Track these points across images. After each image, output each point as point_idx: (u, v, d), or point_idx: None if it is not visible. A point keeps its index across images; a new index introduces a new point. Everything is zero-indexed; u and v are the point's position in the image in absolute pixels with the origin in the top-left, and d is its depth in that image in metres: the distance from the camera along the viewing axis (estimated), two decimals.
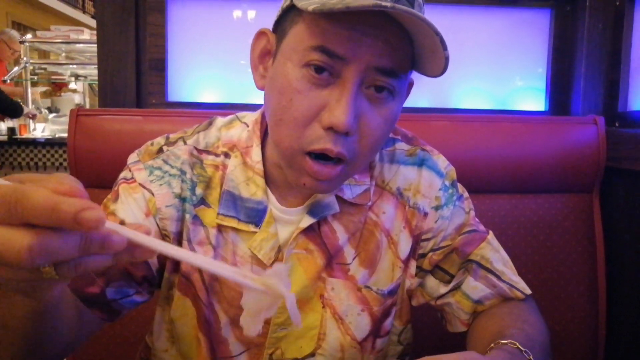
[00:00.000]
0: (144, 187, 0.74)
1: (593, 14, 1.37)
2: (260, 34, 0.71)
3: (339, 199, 0.75)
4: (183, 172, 0.75)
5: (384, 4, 0.55)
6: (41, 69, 4.80)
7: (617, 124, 1.35)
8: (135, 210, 0.72)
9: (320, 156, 0.64)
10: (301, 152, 0.64)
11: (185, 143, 0.77)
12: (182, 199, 0.74)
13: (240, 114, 0.82)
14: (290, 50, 0.63)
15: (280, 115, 0.64)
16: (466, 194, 0.84)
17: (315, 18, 0.61)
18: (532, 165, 1.23)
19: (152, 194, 0.73)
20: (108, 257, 0.39)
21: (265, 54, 0.71)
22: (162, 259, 0.75)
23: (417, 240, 0.79)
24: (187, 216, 0.74)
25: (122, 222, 0.69)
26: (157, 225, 0.73)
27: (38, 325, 0.53)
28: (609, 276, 1.26)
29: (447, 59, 0.60)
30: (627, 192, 1.25)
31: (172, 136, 0.79)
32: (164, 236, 0.74)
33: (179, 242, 0.75)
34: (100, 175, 1.12)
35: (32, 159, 3.72)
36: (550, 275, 1.24)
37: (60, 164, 3.75)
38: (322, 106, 0.62)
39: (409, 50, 0.63)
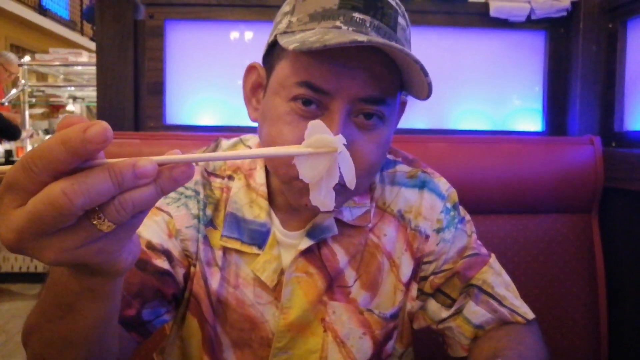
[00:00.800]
0: (161, 210, 0.74)
1: (586, 36, 1.39)
2: (251, 68, 0.73)
3: (339, 222, 0.75)
4: (197, 193, 0.76)
5: (359, 39, 0.56)
6: (39, 91, 4.82)
7: (613, 144, 1.36)
8: (158, 232, 0.72)
9: None
10: (297, 177, 0.64)
11: (196, 164, 0.78)
12: (198, 219, 0.75)
13: (245, 136, 0.83)
14: (278, 85, 0.65)
15: (270, 146, 0.65)
16: (468, 217, 0.83)
17: (299, 54, 0.62)
18: (530, 185, 1.24)
19: (171, 216, 0.74)
20: (151, 189, 0.37)
21: (256, 87, 0.72)
22: (186, 277, 0.75)
23: (418, 263, 0.79)
24: (200, 236, 0.75)
25: (149, 243, 0.70)
26: (180, 246, 0.74)
27: (100, 337, 0.52)
28: (610, 296, 1.25)
29: (429, 85, 0.61)
30: (626, 212, 1.26)
31: None
32: (186, 257, 0.75)
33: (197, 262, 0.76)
34: None
35: None
36: (551, 295, 1.23)
37: None
38: None
39: (395, 75, 0.64)
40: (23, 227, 0.35)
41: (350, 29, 0.61)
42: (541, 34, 1.48)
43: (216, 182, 0.78)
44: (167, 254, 0.72)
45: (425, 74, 0.59)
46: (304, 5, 0.64)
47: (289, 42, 0.60)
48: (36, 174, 0.35)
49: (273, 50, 0.68)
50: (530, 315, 0.78)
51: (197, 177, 0.77)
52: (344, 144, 0.49)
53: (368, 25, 0.61)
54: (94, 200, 0.35)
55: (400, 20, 0.66)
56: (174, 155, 0.38)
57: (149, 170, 0.36)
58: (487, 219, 1.23)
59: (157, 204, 0.74)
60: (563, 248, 1.25)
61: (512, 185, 1.23)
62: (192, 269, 0.75)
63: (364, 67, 0.61)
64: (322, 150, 0.41)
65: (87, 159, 0.36)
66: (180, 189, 0.76)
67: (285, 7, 0.68)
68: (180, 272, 0.73)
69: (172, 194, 0.75)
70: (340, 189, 0.66)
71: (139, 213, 0.39)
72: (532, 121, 1.51)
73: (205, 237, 0.75)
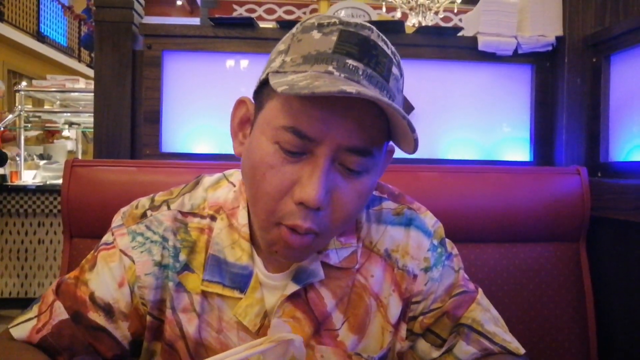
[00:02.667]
0: (124, 253, 0.73)
1: (571, 69, 1.44)
2: (240, 102, 0.71)
3: (325, 265, 0.74)
4: (165, 239, 0.74)
5: (348, 89, 0.54)
6: (35, 116, 4.85)
7: (599, 174, 1.39)
8: (108, 281, 0.72)
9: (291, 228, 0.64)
10: (276, 224, 0.64)
11: (169, 207, 0.76)
12: (163, 267, 0.74)
13: (228, 172, 0.81)
14: (265, 124, 0.64)
15: (255, 190, 0.64)
16: (455, 251, 0.82)
17: (289, 97, 0.61)
18: (519, 214, 1.26)
19: (133, 262, 0.73)
20: None
21: (244, 121, 0.71)
22: (138, 327, 0.74)
23: (407, 303, 0.78)
24: (170, 284, 0.73)
25: (92, 295, 0.71)
26: (132, 293, 0.72)
27: None
28: (599, 324, 1.26)
29: (416, 141, 0.60)
30: (613, 241, 1.28)
31: (157, 198, 0.78)
32: (141, 304, 0.73)
33: (159, 310, 0.74)
34: (94, 225, 1.13)
35: (22, 206, 3.70)
36: (540, 324, 1.24)
37: (50, 210, 3.72)
38: (294, 181, 0.62)
39: (382, 125, 0.63)
40: None
41: (342, 75, 0.60)
42: (528, 67, 1.53)
43: (194, 222, 0.76)
44: (106, 309, 0.71)
45: (412, 130, 0.59)
46: (299, 46, 0.63)
47: (279, 84, 0.58)
48: None
49: (264, 88, 0.66)
50: (522, 350, 0.77)
51: (167, 222, 0.75)
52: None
53: (361, 73, 0.60)
54: None
55: (395, 70, 0.64)
56: None
57: None
58: (476, 248, 1.25)
59: (123, 247, 0.73)
60: (552, 276, 1.26)
61: (501, 215, 1.25)
62: (148, 317, 0.74)
63: (352, 115, 0.60)
64: (283, 341, 0.50)
65: None
66: (148, 234, 0.74)
67: (281, 46, 0.67)
68: (123, 326, 0.72)
69: (139, 238, 0.74)
70: (313, 239, 0.64)
71: None
72: (520, 151, 1.54)
73: (179, 284, 0.73)
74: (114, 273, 0.72)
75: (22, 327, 0.72)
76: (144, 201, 0.78)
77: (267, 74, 0.64)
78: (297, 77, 0.59)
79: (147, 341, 0.75)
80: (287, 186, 0.62)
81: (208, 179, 0.80)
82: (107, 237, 0.76)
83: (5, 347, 0.70)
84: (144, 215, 0.76)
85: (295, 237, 0.63)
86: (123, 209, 0.78)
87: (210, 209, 0.76)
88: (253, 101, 0.70)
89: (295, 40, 0.65)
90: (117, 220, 0.77)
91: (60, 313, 0.70)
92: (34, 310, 0.73)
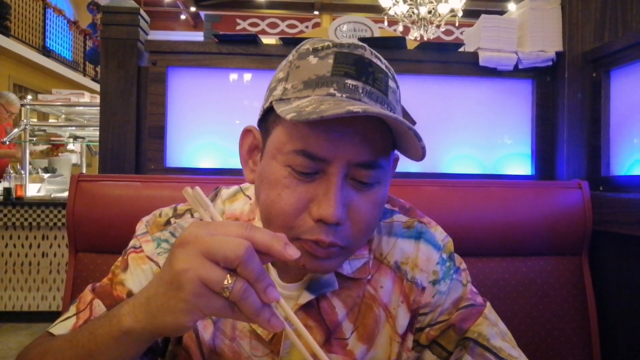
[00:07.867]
0: (151, 259, 0.75)
1: (571, 84, 1.45)
2: (247, 131, 0.74)
3: (338, 275, 0.75)
4: None
5: (355, 109, 0.56)
6: (40, 130, 4.88)
7: (601, 188, 1.39)
8: (143, 282, 0.73)
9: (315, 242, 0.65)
10: (296, 239, 0.65)
11: (192, 215, 0.79)
12: None
13: (244, 185, 0.84)
14: (275, 150, 0.66)
15: (270, 209, 0.66)
16: (463, 265, 0.83)
17: (295, 122, 0.62)
18: (521, 228, 1.26)
19: (159, 267, 0.75)
20: None
21: (253, 149, 0.74)
22: None
23: (414, 315, 0.79)
24: None
25: (129, 293, 0.72)
26: None
27: None
28: (603, 338, 1.26)
29: (423, 149, 0.63)
30: (615, 255, 1.28)
31: (180, 207, 0.81)
32: None
33: None
34: (99, 240, 1.14)
35: (26, 219, 3.71)
36: (543, 338, 1.24)
37: (55, 224, 3.73)
38: (310, 199, 0.64)
39: (387, 136, 0.66)
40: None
41: (344, 95, 0.62)
42: (528, 82, 1.55)
43: None
44: None
45: (419, 139, 0.61)
46: (298, 73, 0.66)
47: (286, 112, 0.61)
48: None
49: (269, 115, 0.68)
50: None
51: None
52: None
53: (361, 91, 0.63)
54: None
55: (391, 83, 0.67)
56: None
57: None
58: (479, 262, 1.25)
59: (149, 253, 0.76)
60: (555, 290, 1.26)
61: (504, 228, 1.26)
62: None
63: (359, 133, 0.62)
64: None
65: None
66: (172, 240, 0.76)
67: (280, 74, 0.69)
68: None
69: (164, 245, 0.77)
70: (339, 250, 0.66)
71: None
72: (521, 165, 1.55)
73: None
74: (146, 275, 0.74)
75: (62, 326, 0.72)
76: (167, 210, 0.81)
77: (271, 102, 0.67)
78: (302, 103, 0.62)
79: (172, 345, 0.77)
80: (304, 204, 0.64)
81: (225, 192, 0.83)
82: (134, 242, 0.79)
83: (46, 340, 0.70)
84: (167, 223, 0.79)
85: (319, 248, 0.65)
86: (145, 218, 0.81)
87: (228, 219, 0.78)
88: (258, 128, 0.72)
89: (293, 67, 0.67)
90: (140, 228, 0.79)
91: (100, 310, 0.71)
92: (72, 310, 0.74)
